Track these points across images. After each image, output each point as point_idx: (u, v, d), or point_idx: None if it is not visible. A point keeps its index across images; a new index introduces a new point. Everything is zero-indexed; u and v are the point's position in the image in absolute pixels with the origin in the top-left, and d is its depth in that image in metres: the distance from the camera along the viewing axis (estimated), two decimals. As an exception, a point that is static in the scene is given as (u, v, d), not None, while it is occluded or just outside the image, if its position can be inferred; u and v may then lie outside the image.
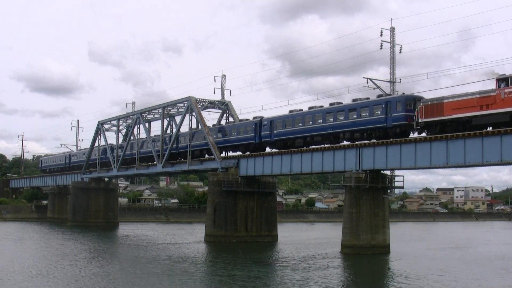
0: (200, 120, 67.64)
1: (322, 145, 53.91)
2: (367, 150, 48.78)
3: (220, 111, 73.92)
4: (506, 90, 38.43)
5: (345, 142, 52.21)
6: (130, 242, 61.06)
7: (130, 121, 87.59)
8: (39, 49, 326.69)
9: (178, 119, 74.68)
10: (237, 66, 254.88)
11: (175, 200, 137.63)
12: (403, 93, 48.59)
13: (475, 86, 60.33)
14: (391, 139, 47.13)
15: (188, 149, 68.99)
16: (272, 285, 32.94)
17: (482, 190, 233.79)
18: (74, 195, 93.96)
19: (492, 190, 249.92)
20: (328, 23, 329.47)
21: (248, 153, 62.64)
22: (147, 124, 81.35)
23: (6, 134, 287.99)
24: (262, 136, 59.86)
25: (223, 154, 66.59)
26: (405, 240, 72.69)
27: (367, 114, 48.70)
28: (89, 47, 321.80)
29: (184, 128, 73.00)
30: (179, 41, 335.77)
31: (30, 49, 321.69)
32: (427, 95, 47.32)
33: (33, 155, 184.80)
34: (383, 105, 47.15)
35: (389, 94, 52.42)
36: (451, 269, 41.90)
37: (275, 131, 58.41)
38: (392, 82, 67.37)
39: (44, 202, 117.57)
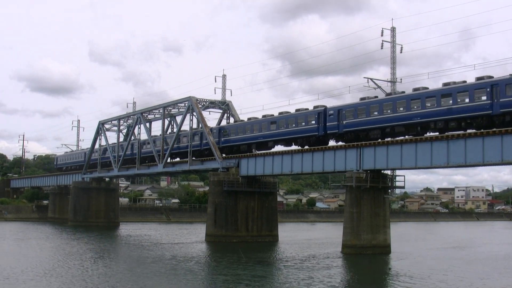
0: (201, 120, 67.66)
1: (323, 145, 53.92)
2: (367, 150, 48.78)
3: (221, 111, 73.98)
4: None
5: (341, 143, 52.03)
6: (132, 242, 61.11)
7: (130, 121, 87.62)
8: (39, 49, 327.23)
9: (178, 119, 74.71)
10: (238, 66, 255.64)
11: (176, 200, 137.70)
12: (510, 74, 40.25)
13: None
14: (391, 139, 47.12)
15: (188, 149, 68.98)
16: (273, 285, 32.96)
17: (483, 190, 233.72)
18: (75, 195, 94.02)
19: (493, 190, 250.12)
20: (328, 23, 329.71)
21: (249, 153, 62.69)
22: (148, 124, 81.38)
23: (7, 134, 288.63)
24: (327, 127, 52.44)
25: (280, 148, 59.81)
26: (406, 240, 72.68)
27: (466, 99, 41.92)
28: (89, 47, 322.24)
29: (185, 128, 73.18)
30: (179, 41, 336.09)
31: (30, 49, 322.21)
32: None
33: (34, 155, 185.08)
34: (488, 89, 41.23)
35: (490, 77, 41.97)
36: (455, 269, 41.97)
37: (344, 122, 50.95)
38: (393, 82, 67.43)
39: (45, 202, 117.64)
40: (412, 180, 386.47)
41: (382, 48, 67.83)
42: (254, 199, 63.01)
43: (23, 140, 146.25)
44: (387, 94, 50.86)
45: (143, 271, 36.49)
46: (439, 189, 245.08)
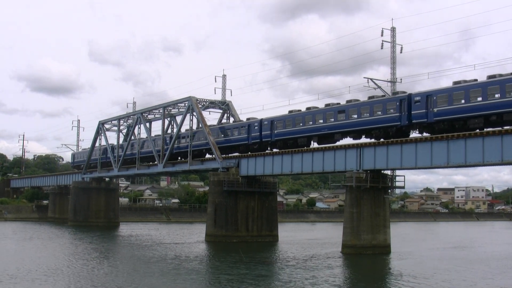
0: (201, 120, 67.66)
1: (323, 145, 53.91)
2: (368, 150, 48.79)
3: (221, 111, 73.99)
4: None
5: (345, 142, 52.04)
6: (134, 242, 61.05)
7: (130, 121, 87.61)
8: (39, 49, 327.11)
9: (178, 119, 74.71)
10: (237, 66, 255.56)
11: (176, 200, 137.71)
12: None
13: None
14: (392, 139, 47.11)
15: (189, 149, 68.97)
16: (273, 285, 32.96)
17: (483, 190, 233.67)
18: (75, 195, 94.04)
19: (493, 190, 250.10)
20: (328, 22, 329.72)
21: (249, 153, 62.66)
22: (148, 124, 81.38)
23: (7, 134, 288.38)
24: (412, 116, 45.54)
25: (340, 142, 53.74)
26: (407, 240, 72.67)
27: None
28: (89, 47, 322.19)
29: (185, 128, 73.12)
30: (179, 41, 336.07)
31: (30, 49, 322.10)
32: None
33: (34, 155, 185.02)
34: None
35: None
36: (457, 269, 42.03)
37: (435, 109, 43.99)
38: (393, 82, 67.42)
39: (45, 202, 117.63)
40: (412, 180, 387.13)
41: (382, 48, 67.88)
42: (254, 199, 63.02)
43: (23, 140, 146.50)
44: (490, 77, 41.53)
45: (147, 271, 36.67)
46: (439, 189, 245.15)
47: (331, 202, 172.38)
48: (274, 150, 60.12)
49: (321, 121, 53.03)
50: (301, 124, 55.10)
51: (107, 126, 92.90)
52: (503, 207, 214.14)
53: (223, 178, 61.63)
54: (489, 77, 41.16)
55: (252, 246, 57.49)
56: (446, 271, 40.20)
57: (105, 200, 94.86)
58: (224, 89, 79.74)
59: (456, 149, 41.83)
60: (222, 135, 66.74)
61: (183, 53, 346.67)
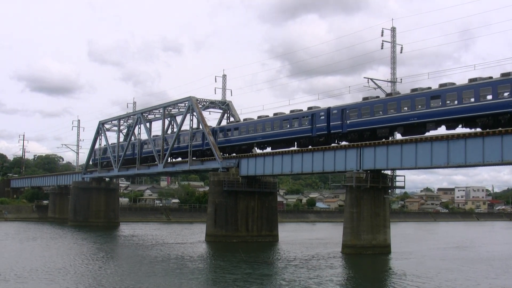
0: (201, 120, 67.66)
1: (323, 146, 53.92)
2: (368, 150, 48.78)
3: (221, 111, 74.00)
4: None
5: (344, 142, 51.97)
6: (136, 242, 61.00)
7: (131, 121, 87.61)
8: (39, 49, 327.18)
9: (178, 119, 74.70)
10: (237, 66, 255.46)
11: (176, 200, 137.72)
12: None
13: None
14: (392, 139, 47.09)
15: (189, 149, 68.95)
16: (274, 285, 32.98)
17: (483, 190, 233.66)
18: (75, 195, 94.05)
19: (493, 190, 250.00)
20: (327, 22, 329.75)
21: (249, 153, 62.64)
22: (148, 124, 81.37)
23: (7, 134, 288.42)
24: None
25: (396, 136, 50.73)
26: (407, 240, 72.67)
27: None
28: (89, 47, 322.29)
29: (185, 128, 72.95)
30: (178, 40, 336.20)
31: (30, 49, 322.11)
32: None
33: (34, 155, 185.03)
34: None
35: None
36: (459, 269, 42.08)
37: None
38: (393, 82, 67.41)
39: (45, 202, 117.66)
40: (412, 180, 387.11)
41: (382, 48, 67.86)
42: (254, 199, 63.02)
43: (23, 140, 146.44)
44: None
45: (151, 270, 36.88)
46: (439, 189, 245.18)
47: (331, 202, 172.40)
48: (274, 150, 60.02)
49: (407, 108, 45.89)
50: (381, 113, 47.29)
51: (107, 126, 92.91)
52: (503, 207, 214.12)
53: (223, 178, 61.63)
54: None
55: (252, 246, 57.50)
56: (449, 271, 40.23)
57: (105, 200, 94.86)
58: (224, 89, 79.77)
59: (456, 149, 41.84)
60: (271, 128, 58.53)
61: (182, 53, 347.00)
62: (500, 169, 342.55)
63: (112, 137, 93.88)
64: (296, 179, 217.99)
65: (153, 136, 79.55)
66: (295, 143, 57.13)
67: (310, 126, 54.01)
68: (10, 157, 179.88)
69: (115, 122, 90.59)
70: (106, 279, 33.18)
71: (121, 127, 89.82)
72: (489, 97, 39.99)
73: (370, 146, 48.55)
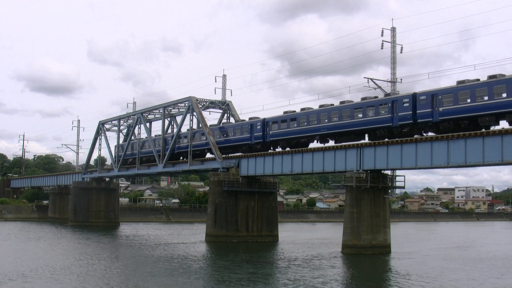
0: (201, 120, 67.67)
1: (323, 145, 53.93)
2: (368, 150, 48.77)
3: (221, 111, 74.01)
4: None
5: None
6: (137, 242, 60.88)
7: (131, 121, 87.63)
8: (38, 49, 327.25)
9: (178, 119, 74.66)
10: (237, 66, 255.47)
11: (176, 200, 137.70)
12: None
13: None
14: (392, 139, 47.08)
15: (189, 149, 68.95)
16: (274, 285, 33.00)
17: (483, 190, 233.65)
18: (75, 195, 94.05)
19: (493, 190, 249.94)
20: (327, 22, 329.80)
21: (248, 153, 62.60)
22: (148, 124, 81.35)
23: (7, 134, 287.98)
24: None
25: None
26: (408, 240, 72.65)
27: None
28: (89, 47, 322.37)
29: (185, 128, 72.91)
30: (178, 40, 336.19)
31: (30, 49, 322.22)
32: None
33: (34, 155, 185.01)
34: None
35: None
36: (464, 268, 42.15)
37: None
38: (393, 82, 67.43)
39: (45, 202, 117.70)
40: (412, 180, 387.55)
41: (382, 48, 67.88)
42: (254, 199, 63.04)
43: (23, 140, 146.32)
44: None
45: (155, 270, 37.07)
46: (439, 189, 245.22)
47: (331, 202, 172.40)
48: (273, 150, 60.02)
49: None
50: (485, 98, 40.95)
51: (107, 126, 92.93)
52: (503, 207, 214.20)
53: (223, 178, 61.64)
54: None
55: (252, 246, 57.48)
56: (452, 271, 40.28)
57: (105, 200, 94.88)
58: (224, 89, 79.76)
59: (456, 149, 41.83)
60: (338, 118, 51.65)
61: (182, 53, 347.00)
62: (500, 169, 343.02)
63: (112, 137, 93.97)
64: (296, 179, 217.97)
65: (185, 132, 74.09)
66: (367, 136, 50.65)
67: (390, 115, 47.15)
68: (10, 157, 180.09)
69: (115, 122, 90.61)
70: (113, 279, 33.31)
71: (121, 127, 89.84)
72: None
73: (370, 146, 48.55)
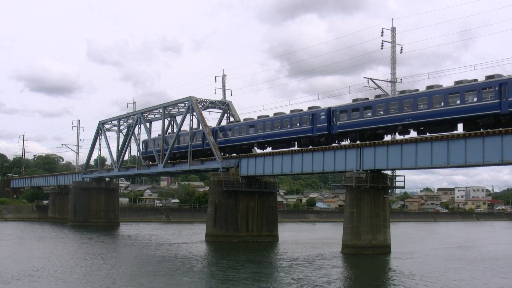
0: (201, 120, 67.66)
1: (323, 145, 53.91)
2: (368, 150, 48.77)
3: (221, 111, 74.00)
4: None
5: (345, 142, 52.00)
6: (138, 242, 60.83)
7: (131, 121, 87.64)
8: (38, 49, 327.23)
9: (178, 119, 74.64)
10: (237, 66, 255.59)
11: (176, 200, 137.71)
12: None
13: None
14: (392, 139, 47.07)
15: (189, 149, 68.93)
16: (273, 285, 33.02)
17: (483, 190, 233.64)
18: (75, 195, 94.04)
19: (493, 190, 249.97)
20: (327, 22, 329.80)
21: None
22: (148, 124, 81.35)
23: (7, 134, 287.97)
24: None
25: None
26: (408, 240, 72.63)
27: None
28: (88, 47, 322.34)
29: (185, 128, 72.79)
30: (178, 40, 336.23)
31: (30, 49, 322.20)
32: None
33: (34, 155, 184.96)
34: None
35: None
36: (468, 268, 42.19)
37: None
38: (393, 82, 67.39)
39: (45, 202, 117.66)
40: (412, 180, 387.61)
41: (382, 48, 67.83)
42: (254, 199, 63.04)
43: (23, 140, 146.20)
44: None
45: (160, 270, 37.25)
46: (439, 189, 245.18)
47: (331, 202, 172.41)
48: (274, 150, 59.98)
49: None
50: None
51: (107, 126, 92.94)
52: (503, 207, 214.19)
53: (223, 178, 61.63)
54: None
55: (252, 246, 57.48)
56: (456, 271, 40.28)
57: (105, 200, 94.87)
58: (224, 89, 79.75)
59: (456, 149, 41.84)
60: (413, 106, 44.95)
61: (182, 53, 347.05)
62: (500, 169, 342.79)
63: (112, 137, 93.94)
64: (296, 179, 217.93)
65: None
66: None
67: (497, 100, 39.44)
68: (10, 157, 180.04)
69: (115, 122, 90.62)
70: (119, 278, 33.40)
71: (121, 127, 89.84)
72: None
73: (370, 146, 48.54)
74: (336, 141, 53.37)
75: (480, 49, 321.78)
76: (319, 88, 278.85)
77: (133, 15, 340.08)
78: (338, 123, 51.94)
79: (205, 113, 70.81)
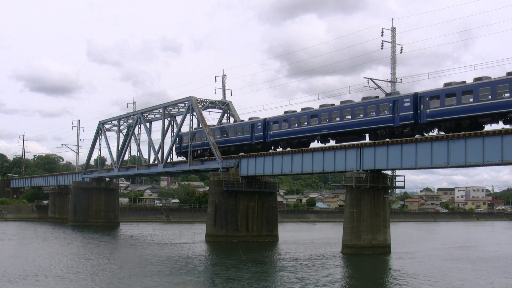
0: (201, 120, 67.65)
1: (323, 145, 53.92)
2: (368, 150, 48.76)
3: (221, 111, 74.00)
4: None
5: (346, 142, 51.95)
6: (138, 242, 60.75)
7: (131, 121, 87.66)
8: (38, 49, 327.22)
9: (178, 119, 74.64)
10: (237, 66, 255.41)
11: (176, 200, 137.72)
12: None
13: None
14: (392, 139, 47.08)
15: (189, 149, 68.90)
16: (273, 285, 32.98)
17: (483, 190, 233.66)
18: (75, 195, 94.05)
19: (493, 190, 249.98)
20: (326, 22, 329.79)
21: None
22: (148, 124, 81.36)
23: (7, 134, 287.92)
24: None
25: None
26: (409, 240, 72.60)
27: None
28: (88, 47, 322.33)
29: (184, 129, 72.72)
30: (178, 40, 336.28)
31: (29, 49, 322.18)
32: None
33: (34, 155, 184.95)
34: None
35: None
36: (469, 267, 42.20)
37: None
38: (393, 82, 67.38)
39: (45, 202, 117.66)
40: (412, 180, 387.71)
41: (382, 48, 67.80)
42: (254, 199, 63.03)
43: (23, 140, 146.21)
44: None
45: (164, 269, 37.37)
46: (439, 189, 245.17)
47: (331, 202, 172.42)
48: (273, 150, 59.98)
49: None
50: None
51: (107, 126, 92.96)
52: (503, 207, 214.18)
53: (223, 178, 61.63)
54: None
55: (252, 246, 57.47)
56: (459, 270, 40.28)
57: (105, 200, 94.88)
58: (224, 89, 79.68)
59: (456, 149, 41.84)
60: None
61: (182, 53, 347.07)
62: (500, 169, 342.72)
63: (112, 137, 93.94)
64: (296, 179, 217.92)
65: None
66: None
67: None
68: (10, 157, 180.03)
69: (115, 122, 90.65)
70: (124, 278, 33.43)
71: (121, 127, 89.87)
72: None
73: (370, 146, 48.55)
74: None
75: (480, 49, 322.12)
76: (319, 88, 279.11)
77: (133, 15, 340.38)
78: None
79: (205, 113, 70.89)
